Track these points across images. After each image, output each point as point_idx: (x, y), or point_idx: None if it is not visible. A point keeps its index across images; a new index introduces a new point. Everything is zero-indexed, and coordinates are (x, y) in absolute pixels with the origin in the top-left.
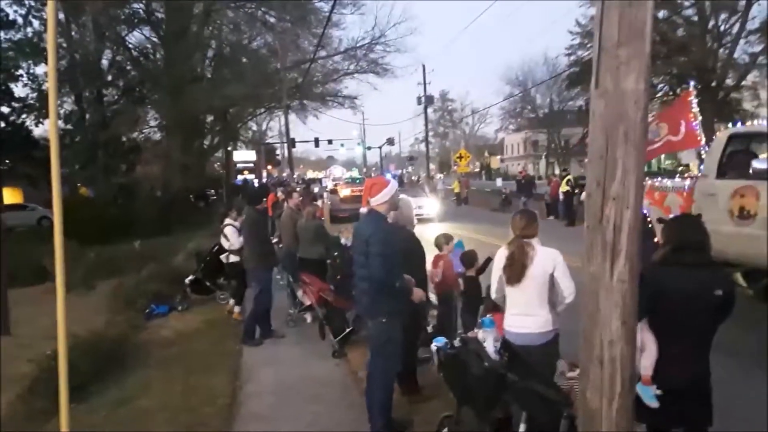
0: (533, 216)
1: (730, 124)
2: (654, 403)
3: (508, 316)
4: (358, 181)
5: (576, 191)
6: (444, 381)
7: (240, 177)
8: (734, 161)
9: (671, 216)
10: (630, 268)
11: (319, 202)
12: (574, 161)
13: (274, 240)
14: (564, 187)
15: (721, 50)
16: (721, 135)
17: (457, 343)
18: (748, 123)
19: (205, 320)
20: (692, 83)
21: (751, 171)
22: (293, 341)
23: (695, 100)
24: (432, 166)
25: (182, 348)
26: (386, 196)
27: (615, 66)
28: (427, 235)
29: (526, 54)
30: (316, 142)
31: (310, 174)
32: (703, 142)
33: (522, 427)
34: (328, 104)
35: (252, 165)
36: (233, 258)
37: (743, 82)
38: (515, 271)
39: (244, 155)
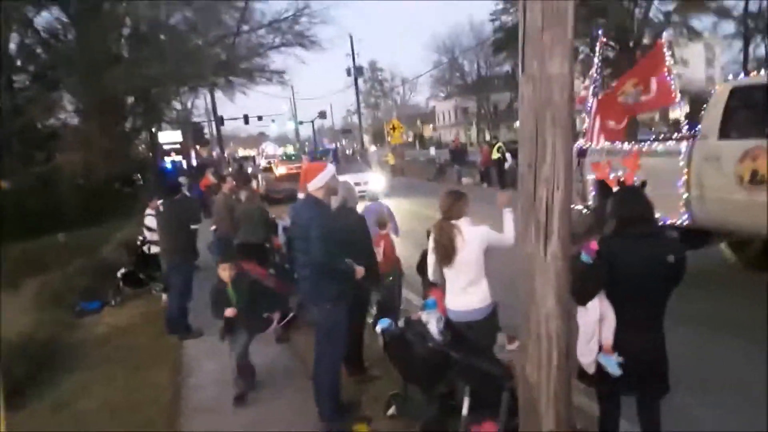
0: (459, 196)
1: (730, 76)
2: (617, 371)
3: (448, 295)
4: (294, 157)
5: (506, 157)
6: (389, 361)
7: (167, 159)
8: (739, 119)
9: (615, 189)
10: (562, 247)
11: (254, 183)
12: (504, 126)
13: (212, 227)
14: (495, 155)
15: (637, 10)
16: (721, 89)
17: (401, 324)
18: (753, 74)
19: (142, 314)
20: (665, 34)
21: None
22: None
23: (668, 52)
24: (366, 138)
25: (120, 344)
26: (322, 180)
27: (540, 51)
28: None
29: (451, 21)
30: (246, 119)
31: (242, 152)
32: (678, 98)
33: (466, 402)
34: (255, 80)
35: (179, 146)
36: (155, 249)
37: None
38: (443, 254)
39: (169, 136)
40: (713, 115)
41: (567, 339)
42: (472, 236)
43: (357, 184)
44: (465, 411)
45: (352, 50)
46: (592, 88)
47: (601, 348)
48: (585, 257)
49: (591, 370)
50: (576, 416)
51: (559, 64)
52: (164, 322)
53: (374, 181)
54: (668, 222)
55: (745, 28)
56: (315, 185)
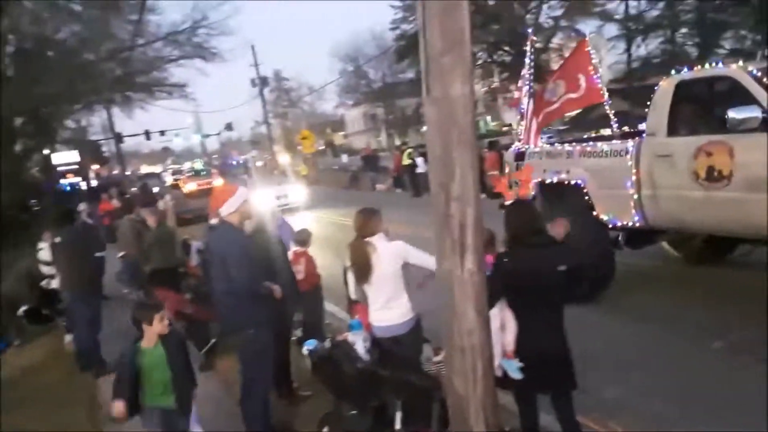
0: (371, 213)
1: (673, 72)
2: (518, 375)
3: (372, 311)
4: (203, 173)
5: (416, 162)
6: (319, 381)
7: (63, 181)
8: (687, 114)
9: (507, 203)
10: (478, 261)
11: (161, 203)
12: (413, 131)
13: (120, 254)
14: (406, 160)
15: (528, 16)
16: (667, 84)
17: (327, 344)
18: (696, 68)
19: (50, 352)
20: (588, 33)
21: (727, 124)
22: None
23: (592, 51)
24: (276, 148)
25: (30, 386)
26: (233, 205)
27: (442, 74)
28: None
29: (353, 29)
30: (147, 134)
31: (145, 168)
32: (606, 96)
33: (398, 416)
34: (154, 94)
35: (76, 166)
36: (54, 283)
37: (550, 44)
38: (360, 271)
39: (65, 157)
40: (660, 111)
41: (489, 349)
42: (387, 252)
43: (277, 197)
44: (398, 425)
45: (255, 61)
46: (525, 88)
47: (504, 353)
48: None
49: (498, 373)
50: (503, 415)
51: (460, 86)
52: (75, 359)
53: (294, 193)
54: (618, 224)
55: (627, 30)
56: (227, 210)
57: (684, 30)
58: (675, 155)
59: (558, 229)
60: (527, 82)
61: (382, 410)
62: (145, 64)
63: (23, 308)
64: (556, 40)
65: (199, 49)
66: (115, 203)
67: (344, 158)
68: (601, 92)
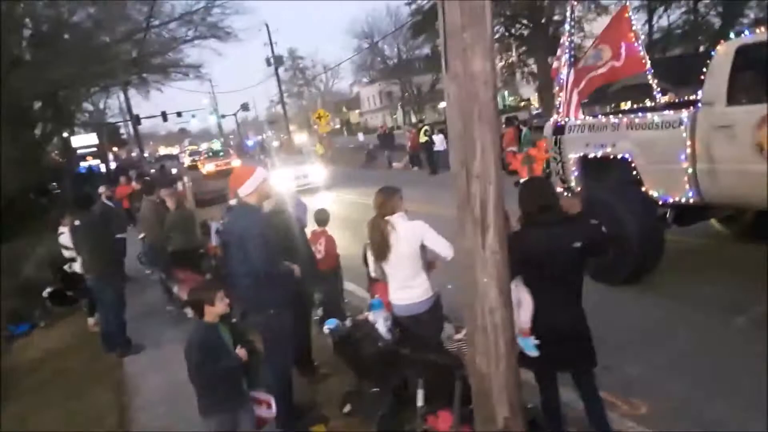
0: (392, 192)
1: (732, 35)
2: (534, 353)
3: (391, 290)
4: (221, 153)
5: (433, 140)
6: (340, 360)
7: (83, 164)
8: (748, 81)
9: (522, 180)
10: (499, 240)
11: (179, 185)
12: (429, 108)
13: (141, 236)
14: (423, 138)
15: None
16: (724, 50)
17: (348, 324)
18: (759, 30)
19: (75, 333)
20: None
21: None
22: (178, 340)
23: (633, 16)
24: (292, 128)
25: (55, 368)
26: (252, 186)
27: (462, 50)
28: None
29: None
30: (164, 116)
31: (163, 150)
32: (648, 65)
33: (420, 394)
34: (170, 76)
35: (95, 149)
36: (77, 267)
37: (570, 17)
38: (378, 250)
39: (84, 140)
40: (718, 78)
41: (511, 327)
42: (406, 231)
43: (297, 177)
44: (420, 403)
45: (270, 40)
46: (565, 57)
47: (520, 331)
48: None
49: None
50: (526, 393)
51: (481, 62)
52: (100, 340)
53: (314, 173)
54: (669, 201)
55: (648, 0)
56: (245, 191)
57: (706, 0)
58: (736, 126)
59: (570, 205)
60: (567, 50)
61: (403, 388)
62: (160, 46)
63: (47, 290)
64: (575, 12)
65: (214, 29)
66: (135, 185)
67: (360, 137)
68: (643, 61)
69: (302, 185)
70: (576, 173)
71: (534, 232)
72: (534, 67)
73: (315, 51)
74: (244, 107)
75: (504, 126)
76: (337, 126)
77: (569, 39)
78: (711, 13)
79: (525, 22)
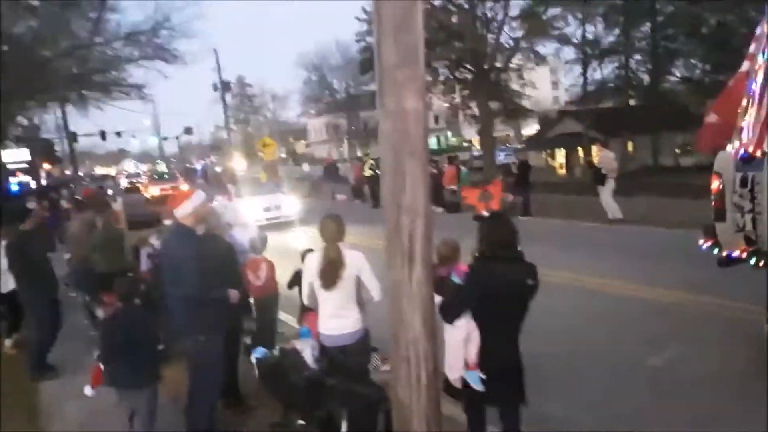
0: (340, 219)
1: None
2: (479, 387)
3: (323, 319)
4: (167, 176)
5: (377, 173)
6: (267, 390)
7: (13, 180)
8: None
9: (484, 215)
10: (426, 273)
11: (114, 206)
12: (374, 142)
13: (67, 256)
14: (367, 171)
15: (490, 36)
16: None
17: (276, 353)
18: None
19: None
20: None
21: None
22: None
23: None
24: (236, 154)
25: None
26: (189, 207)
27: (395, 88)
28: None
29: (318, 39)
30: (103, 135)
31: (99, 170)
32: None
33: (344, 426)
34: (112, 94)
35: (26, 165)
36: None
37: (510, 64)
38: (331, 276)
39: (15, 155)
40: None
41: (434, 360)
42: (352, 258)
43: (267, 209)
44: None
45: (218, 65)
46: (762, 57)
47: (467, 364)
48: (455, 278)
49: (458, 384)
50: (446, 426)
51: (413, 100)
52: (28, 362)
53: (288, 205)
54: None
55: (583, 54)
56: (182, 212)
57: (638, 57)
58: None
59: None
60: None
61: (329, 421)
62: (103, 63)
63: None
64: (515, 60)
65: (160, 51)
66: (65, 204)
67: (305, 167)
68: None
69: (273, 218)
70: None
71: (493, 267)
72: (476, 110)
73: (264, 80)
74: (188, 131)
75: (446, 165)
76: (283, 155)
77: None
78: (641, 69)
79: (468, 66)
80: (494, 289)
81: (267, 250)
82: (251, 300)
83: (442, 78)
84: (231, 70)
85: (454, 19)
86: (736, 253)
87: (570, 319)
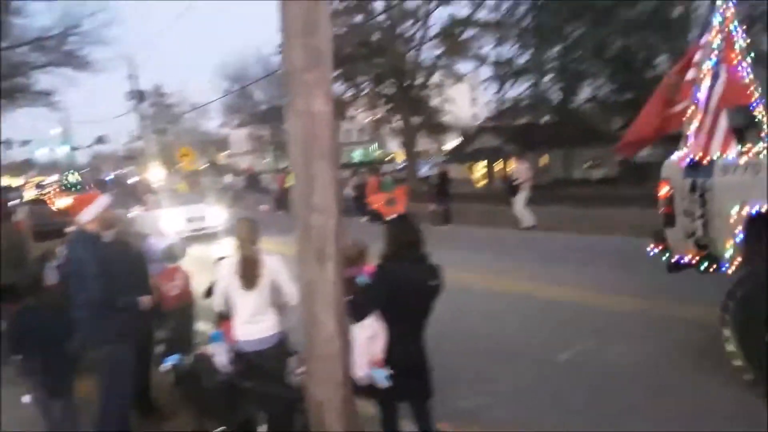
0: (255, 223)
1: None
2: (385, 383)
3: (239, 324)
4: (78, 187)
5: None
6: (182, 398)
7: None
8: None
9: (390, 218)
10: (337, 271)
11: (18, 216)
12: None
13: None
14: (290, 182)
15: (411, 53)
16: None
17: (190, 359)
18: None
19: None
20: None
21: None
22: None
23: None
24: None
25: None
26: (92, 212)
27: (304, 90)
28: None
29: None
30: (8, 143)
31: (4, 180)
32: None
33: (263, 428)
34: (17, 101)
35: None
36: None
37: (430, 81)
38: (250, 275)
39: None
40: None
41: (347, 357)
42: (269, 261)
43: (190, 219)
44: None
45: (132, 72)
46: (708, 63)
47: (373, 363)
48: (362, 279)
49: (364, 382)
50: (364, 423)
51: (322, 102)
52: None
53: (213, 215)
54: None
55: (498, 73)
56: (86, 218)
57: (549, 76)
58: None
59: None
60: (710, 53)
61: (246, 426)
62: (7, 69)
63: None
64: (436, 77)
65: (70, 57)
66: None
67: (227, 178)
68: (748, 91)
69: (197, 229)
70: (739, 236)
71: (398, 267)
72: (399, 124)
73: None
74: (101, 140)
75: (369, 175)
76: (205, 166)
77: (719, 36)
78: (552, 88)
79: (390, 82)
80: (400, 289)
81: (190, 260)
82: (165, 309)
83: (366, 92)
84: (148, 78)
85: (375, 37)
86: (686, 258)
87: (481, 317)
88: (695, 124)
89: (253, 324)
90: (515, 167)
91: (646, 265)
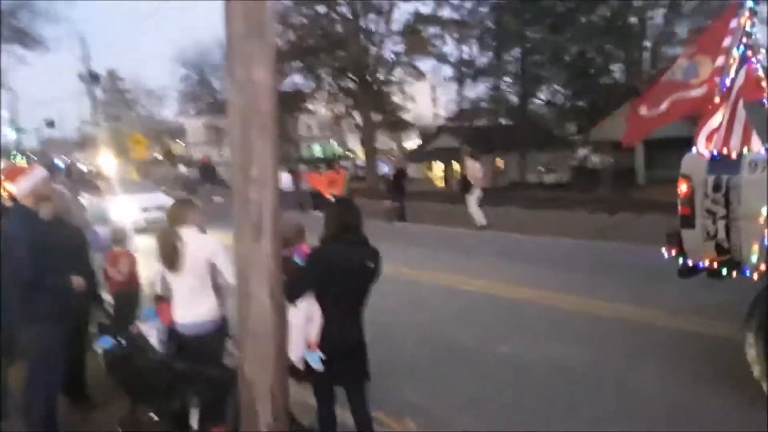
0: (185, 204)
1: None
2: (320, 366)
3: (176, 307)
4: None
5: None
6: (115, 382)
7: None
8: None
9: (331, 200)
10: (274, 246)
11: None
12: None
13: None
14: None
15: (372, 48)
16: None
17: (123, 341)
18: None
19: None
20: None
21: None
22: None
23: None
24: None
25: None
26: (27, 185)
27: (245, 59)
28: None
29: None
30: None
31: None
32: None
33: (195, 413)
34: None
35: None
36: None
37: (391, 77)
38: (167, 260)
39: None
40: None
41: (282, 335)
42: (197, 245)
43: (146, 209)
44: (194, 423)
45: (85, 53)
46: (737, 51)
47: (308, 345)
48: (297, 259)
49: (301, 366)
50: (299, 411)
51: (264, 72)
52: None
53: (168, 204)
54: None
55: (459, 72)
56: (21, 191)
57: (508, 79)
58: None
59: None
60: (741, 40)
61: (181, 412)
62: None
63: None
64: (397, 74)
65: (19, 34)
66: None
67: (182, 168)
68: (763, 84)
69: (153, 219)
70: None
71: (335, 249)
72: (359, 120)
73: (138, 75)
74: (50, 124)
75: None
76: (159, 156)
77: (750, 23)
78: (510, 91)
79: (352, 76)
80: (336, 270)
81: (141, 248)
82: (109, 293)
83: (327, 87)
84: (102, 61)
85: (338, 29)
86: (704, 263)
87: (425, 311)
88: (719, 116)
89: (190, 307)
90: (469, 166)
91: (590, 266)
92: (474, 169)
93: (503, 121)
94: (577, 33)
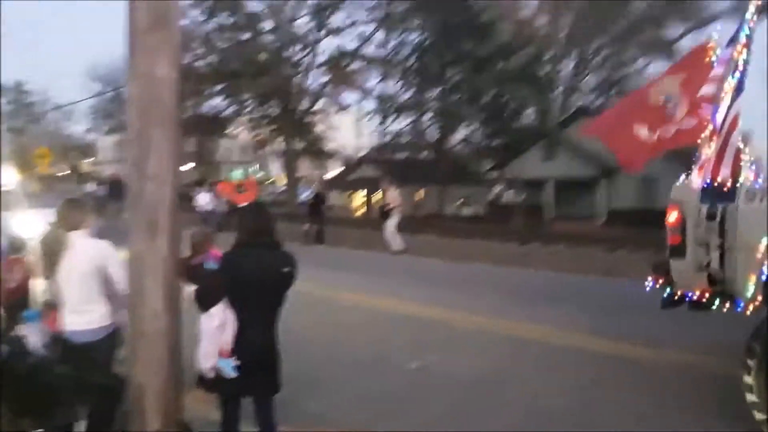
0: (75, 205)
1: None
2: (233, 374)
3: (66, 314)
4: None
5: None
6: None
7: None
8: None
9: (242, 205)
10: (170, 244)
11: None
12: None
13: None
14: None
15: (297, 77)
16: None
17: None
18: None
19: None
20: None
21: None
22: None
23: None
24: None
25: None
26: None
27: (147, 51)
28: None
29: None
30: None
31: None
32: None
33: (83, 425)
34: None
35: None
36: None
37: (315, 108)
38: (48, 263)
39: None
40: None
41: (175, 337)
42: (84, 249)
43: (50, 224)
44: None
45: None
46: (733, 80)
47: (221, 353)
48: (210, 264)
49: (212, 374)
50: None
51: (167, 67)
52: None
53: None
54: None
55: (382, 107)
56: None
57: (429, 115)
58: None
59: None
60: (736, 70)
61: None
62: None
63: None
64: (321, 104)
65: None
66: None
67: (90, 186)
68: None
69: None
70: (766, 272)
71: (246, 254)
72: (281, 146)
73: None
74: None
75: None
76: (67, 172)
77: (745, 51)
78: (432, 126)
79: (275, 104)
80: (249, 274)
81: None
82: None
83: (249, 112)
84: (8, 73)
85: (262, 57)
86: (694, 294)
87: (337, 328)
88: (712, 146)
89: (79, 314)
90: (387, 193)
91: (497, 289)
92: (393, 195)
93: (424, 155)
94: (494, 77)
